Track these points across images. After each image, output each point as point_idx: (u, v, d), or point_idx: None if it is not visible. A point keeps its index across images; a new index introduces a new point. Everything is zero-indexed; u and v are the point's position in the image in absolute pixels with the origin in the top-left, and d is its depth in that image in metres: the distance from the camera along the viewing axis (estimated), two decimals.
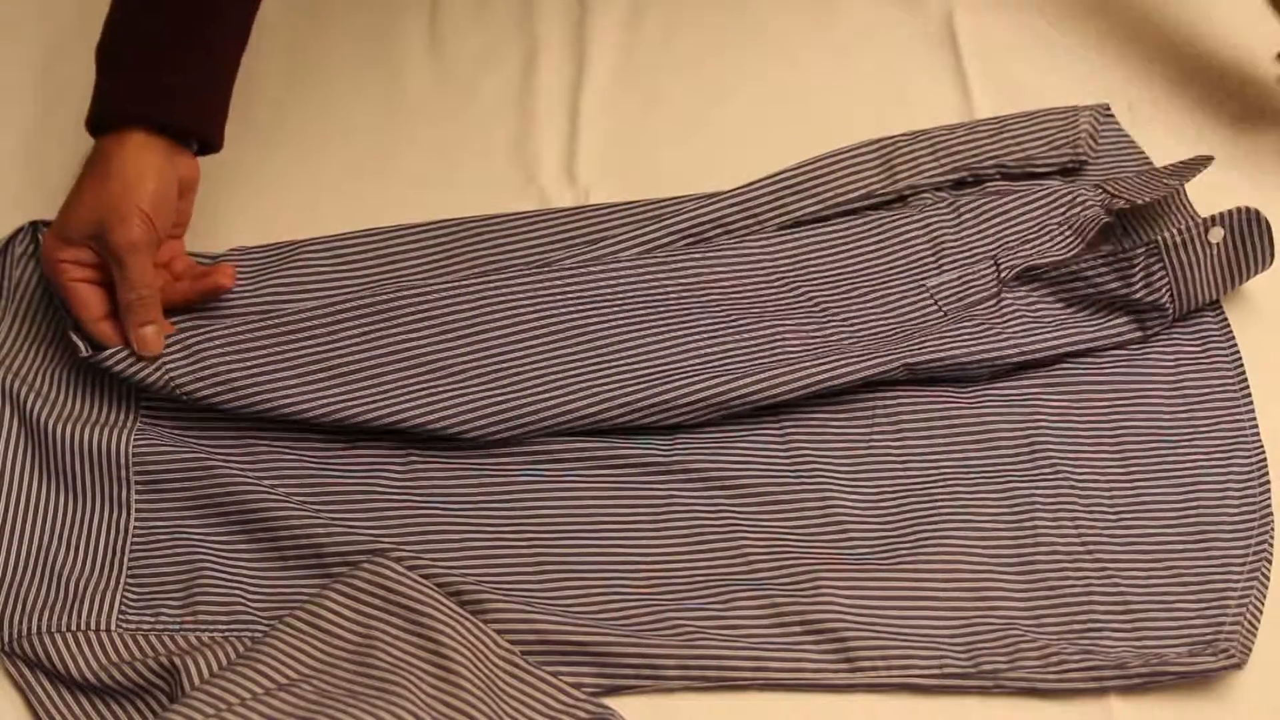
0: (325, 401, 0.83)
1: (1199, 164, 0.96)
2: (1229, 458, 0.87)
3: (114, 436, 0.82)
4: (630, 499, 0.84)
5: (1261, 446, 0.88)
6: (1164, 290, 0.90)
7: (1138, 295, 0.90)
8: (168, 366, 0.82)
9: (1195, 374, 0.91)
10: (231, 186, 0.96)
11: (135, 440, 0.82)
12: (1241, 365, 0.91)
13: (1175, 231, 0.89)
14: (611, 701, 0.77)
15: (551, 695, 0.76)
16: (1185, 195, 0.97)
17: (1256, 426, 0.89)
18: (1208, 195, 0.96)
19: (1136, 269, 0.89)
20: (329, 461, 0.85)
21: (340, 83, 1.02)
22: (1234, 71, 1.07)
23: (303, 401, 0.83)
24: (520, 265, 0.91)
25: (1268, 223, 0.90)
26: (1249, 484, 0.86)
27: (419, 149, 0.99)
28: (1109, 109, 1.02)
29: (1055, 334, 0.90)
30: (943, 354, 0.87)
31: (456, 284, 0.88)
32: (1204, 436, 0.88)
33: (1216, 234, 0.90)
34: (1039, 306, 0.91)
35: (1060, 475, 0.86)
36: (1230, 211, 0.90)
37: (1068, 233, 0.93)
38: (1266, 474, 0.87)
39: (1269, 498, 0.86)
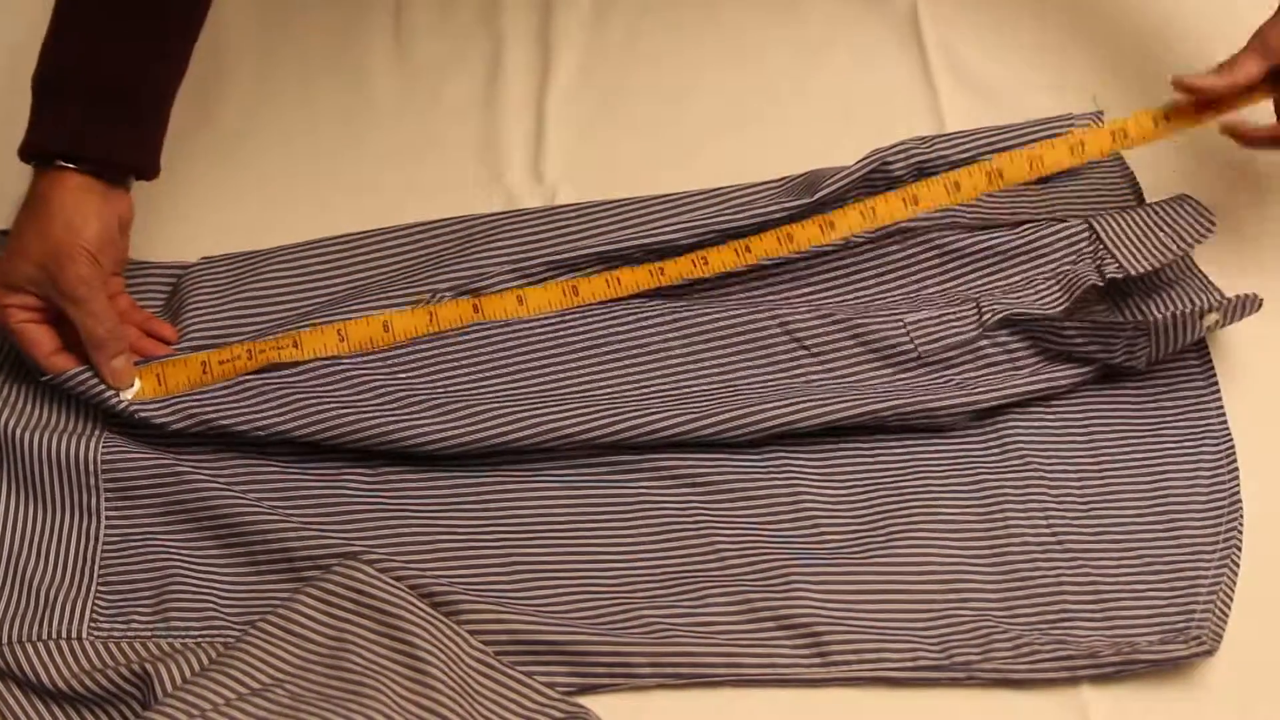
0: (285, 425, 0.83)
1: (1201, 226, 0.90)
2: (1198, 446, 0.88)
3: (83, 444, 0.82)
4: (601, 497, 0.84)
5: (1229, 434, 0.88)
6: (1143, 358, 0.88)
7: (1117, 360, 0.88)
8: (127, 397, 0.83)
9: (1162, 363, 0.91)
10: (197, 192, 0.96)
11: (104, 447, 0.82)
12: (1208, 353, 0.91)
13: (1169, 315, 0.86)
14: (585, 700, 0.77)
15: (525, 695, 0.76)
16: (1191, 260, 0.92)
17: (1224, 414, 0.89)
18: (1168, 186, 0.96)
19: (1120, 341, 0.87)
20: (299, 466, 0.85)
21: (305, 87, 1.02)
22: (1199, 67, 1.07)
23: (264, 425, 0.83)
24: (488, 269, 0.91)
25: (1260, 303, 0.87)
26: (1218, 471, 0.87)
27: (385, 150, 0.99)
28: (1101, 115, 0.98)
29: (1028, 381, 0.88)
30: (912, 406, 0.86)
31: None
32: (1172, 425, 0.89)
33: (1211, 318, 0.86)
34: (1014, 349, 0.89)
35: (1030, 467, 0.86)
36: (1231, 299, 0.86)
37: (1055, 287, 0.91)
38: (1235, 461, 0.87)
39: (1238, 484, 0.86)
